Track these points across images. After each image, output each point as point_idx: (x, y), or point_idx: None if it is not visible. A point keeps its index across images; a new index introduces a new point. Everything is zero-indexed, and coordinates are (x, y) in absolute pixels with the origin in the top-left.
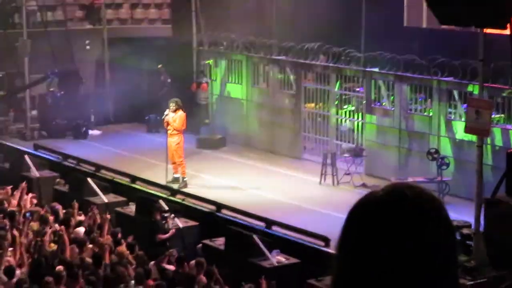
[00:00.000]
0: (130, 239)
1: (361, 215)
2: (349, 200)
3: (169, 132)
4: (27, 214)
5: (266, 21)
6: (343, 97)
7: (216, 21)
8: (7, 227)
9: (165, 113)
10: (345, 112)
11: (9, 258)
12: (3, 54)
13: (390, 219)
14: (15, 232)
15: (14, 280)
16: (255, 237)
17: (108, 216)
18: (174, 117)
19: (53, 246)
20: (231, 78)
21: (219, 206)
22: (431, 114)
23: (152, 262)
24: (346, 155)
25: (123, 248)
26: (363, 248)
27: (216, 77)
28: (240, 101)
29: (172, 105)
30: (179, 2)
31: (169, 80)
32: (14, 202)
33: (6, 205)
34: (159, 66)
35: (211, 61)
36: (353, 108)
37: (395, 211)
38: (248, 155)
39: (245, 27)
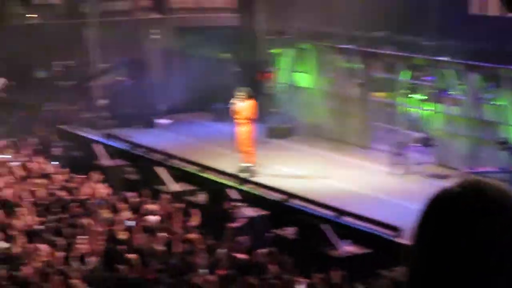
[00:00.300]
0: (197, 222)
1: (439, 210)
2: (420, 189)
3: (238, 121)
4: (99, 202)
5: (334, 9)
6: (412, 86)
7: (283, 10)
8: (80, 215)
9: (233, 102)
10: (414, 101)
11: (82, 246)
12: (72, 43)
13: (468, 214)
14: (88, 220)
15: (87, 267)
16: (325, 226)
17: (179, 205)
18: (244, 106)
19: (125, 234)
20: (299, 67)
21: (289, 195)
22: (502, 103)
23: (223, 251)
24: (416, 144)
25: (194, 236)
26: (441, 242)
27: (283, 66)
28: (307, 90)
29: (241, 94)
30: None
31: (236, 69)
32: (87, 190)
33: (79, 193)
34: (227, 55)
35: (278, 50)
36: (422, 97)
37: (472, 206)
38: (316, 145)
39: (312, 15)
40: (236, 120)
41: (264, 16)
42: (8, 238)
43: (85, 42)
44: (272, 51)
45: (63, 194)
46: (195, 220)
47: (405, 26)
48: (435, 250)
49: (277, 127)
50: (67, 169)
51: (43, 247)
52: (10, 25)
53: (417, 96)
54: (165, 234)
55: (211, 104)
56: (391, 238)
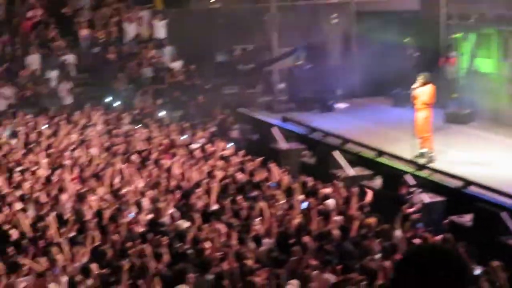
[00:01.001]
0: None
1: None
2: None
3: (416, 106)
4: (273, 185)
5: None
6: None
7: None
8: (256, 197)
9: (413, 86)
10: None
11: (258, 227)
12: (252, 28)
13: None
14: (264, 203)
15: (262, 248)
16: (504, 215)
17: (354, 190)
18: (423, 91)
19: (300, 218)
20: (480, 53)
21: (467, 182)
22: None
23: (399, 236)
24: None
25: (371, 220)
26: None
27: (464, 51)
28: (489, 75)
29: (421, 79)
30: None
31: (416, 54)
32: (262, 173)
33: (255, 176)
34: (407, 39)
35: (459, 35)
36: None
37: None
38: (497, 131)
39: None
40: (414, 106)
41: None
42: (187, 218)
43: (265, 26)
44: (453, 36)
45: (239, 176)
46: (368, 198)
47: None
48: None
49: (456, 113)
50: (243, 152)
51: (221, 227)
52: (192, 9)
53: None
54: (340, 218)
55: (390, 89)
56: None
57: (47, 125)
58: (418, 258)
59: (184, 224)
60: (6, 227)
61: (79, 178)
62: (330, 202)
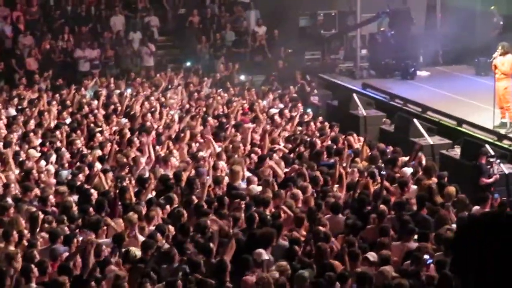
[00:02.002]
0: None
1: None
2: None
3: (496, 76)
4: (350, 152)
5: None
6: None
7: None
8: (334, 164)
9: (493, 55)
10: None
11: (336, 194)
12: None
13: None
14: (342, 170)
15: (340, 216)
16: None
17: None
18: (503, 60)
19: (375, 185)
20: None
21: None
22: None
23: (476, 207)
24: None
25: (452, 189)
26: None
27: None
28: None
29: (500, 48)
30: None
31: (501, 22)
32: (342, 140)
33: (333, 143)
34: (492, 7)
35: None
36: None
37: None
38: None
39: None
40: (495, 75)
41: None
42: (264, 183)
43: None
44: None
45: (318, 142)
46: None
47: None
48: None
49: None
50: (321, 118)
51: (298, 193)
52: None
53: None
54: (415, 187)
55: (473, 58)
56: None
57: (128, 87)
58: (475, 228)
59: (258, 188)
60: (87, 187)
61: (158, 140)
62: (409, 170)
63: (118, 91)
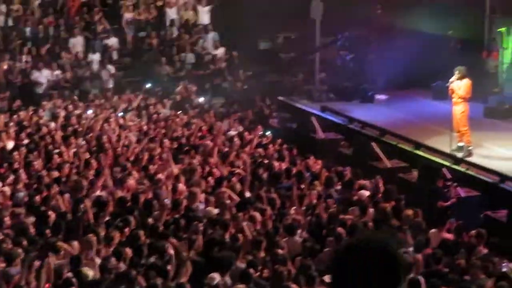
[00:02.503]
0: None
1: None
2: None
3: (453, 100)
4: (309, 175)
5: None
6: None
7: None
8: (292, 187)
9: (450, 80)
10: None
11: (293, 217)
12: (295, 15)
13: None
14: (299, 192)
15: (297, 238)
16: None
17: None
18: (460, 84)
19: (335, 208)
20: None
21: (503, 177)
22: None
23: (432, 230)
24: None
25: (409, 212)
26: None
27: (508, 45)
28: None
29: (457, 73)
30: None
31: (458, 47)
32: (300, 163)
33: (292, 165)
34: (450, 31)
35: (503, 29)
36: None
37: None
38: None
39: None
40: (452, 99)
41: None
42: (221, 205)
43: (309, 15)
44: (498, 29)
45: (276, 165)
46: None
47: None
48: None
49: (496, 108)
50: (279, 141)
51: (255, 216)
52: None
53: None
54: (372, 210)
55: (430, 82)
56: None
57: (87, 109)
58: (353, 252)
59: (215, 211)
60: (44, 208)
61: (116, 162)
62: (365, 193)
63: (77, 113)
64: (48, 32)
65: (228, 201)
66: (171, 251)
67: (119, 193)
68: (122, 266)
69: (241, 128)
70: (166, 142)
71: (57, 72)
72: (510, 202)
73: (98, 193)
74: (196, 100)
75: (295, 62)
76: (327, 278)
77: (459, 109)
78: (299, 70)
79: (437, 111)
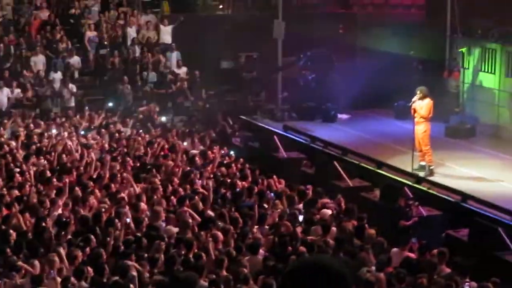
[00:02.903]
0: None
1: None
2: None
3: (415, 119)
4: (272, 195)
5: None
6: None
7: (473, 8)
8: (254, 205)
9: (412, 99)
10: None
11: (255, 235)
12: (257, 35)
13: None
14: (262, 211)
15: (259, 257)
16: (501, 230)
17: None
18: (421, 104)
19: (299, 228)
20: (484, 67)
21: (465, 196)
22: None
23: (394, 249)
24: None
25: (372, 231)
26: None
27: (469, 65)
28: (492, 91)
29: (419, 93)
30: None
31: (420, 67)
32: (262, 182)
33: (254, 184)
34: (411, 51)
35: (464, 49)
36: None
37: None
38: (497, 147)
39: (501, 15)
40: (414, 119)
41: (452, 13)
42: (183, 224)
43: (271, 34)
44: (459, 50)
45: (238, 183)
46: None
47: None
48: None
49: (458, 127)
50: (242, 160)
51: (217, 234)
52: (199, 15)
53: None
54: (335, 229)
55: (393, 101)
56: None
57: (48, 127)
58: (299, 273)
59: (174, 229)
60: (4, 227)
61: (78, 181)
62: (328, 212)
63: (38, 131)
64: (9, 50)
65: (190, 220)
66: (134, 273)
67: (81, 212)
68: (84, 285)
69: (203, 147)
70: (129, 160)
71: (18, 90)
72: (471, 221)
73: (59, 211)
74: (158, 119)
75: (257, 81)
76: None
77: (421, 129)
78: (262, 90)
79: (399, 130)
